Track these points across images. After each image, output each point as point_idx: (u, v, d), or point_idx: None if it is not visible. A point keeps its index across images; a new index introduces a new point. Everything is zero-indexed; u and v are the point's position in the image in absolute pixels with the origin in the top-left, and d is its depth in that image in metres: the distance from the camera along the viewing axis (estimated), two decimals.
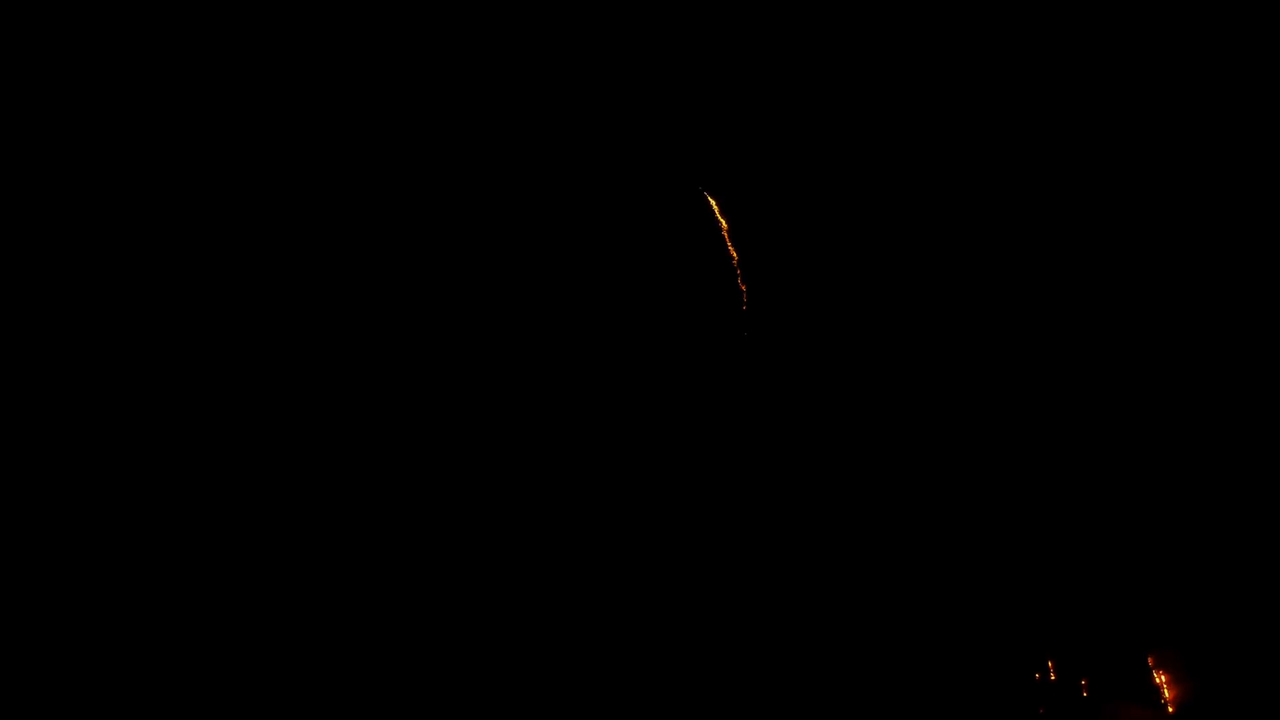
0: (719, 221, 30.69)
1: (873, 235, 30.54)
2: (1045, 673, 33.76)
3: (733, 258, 32.17)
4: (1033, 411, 37.02)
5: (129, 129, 20.54)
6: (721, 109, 26.86)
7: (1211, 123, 28.09)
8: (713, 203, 30.37)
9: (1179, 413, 33.35)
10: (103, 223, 21.13)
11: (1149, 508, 33.04)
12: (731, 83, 25.73)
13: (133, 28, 20.40)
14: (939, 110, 30.01)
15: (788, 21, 26.20)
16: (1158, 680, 29.71)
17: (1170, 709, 28.49)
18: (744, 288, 34.10)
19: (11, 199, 20.79)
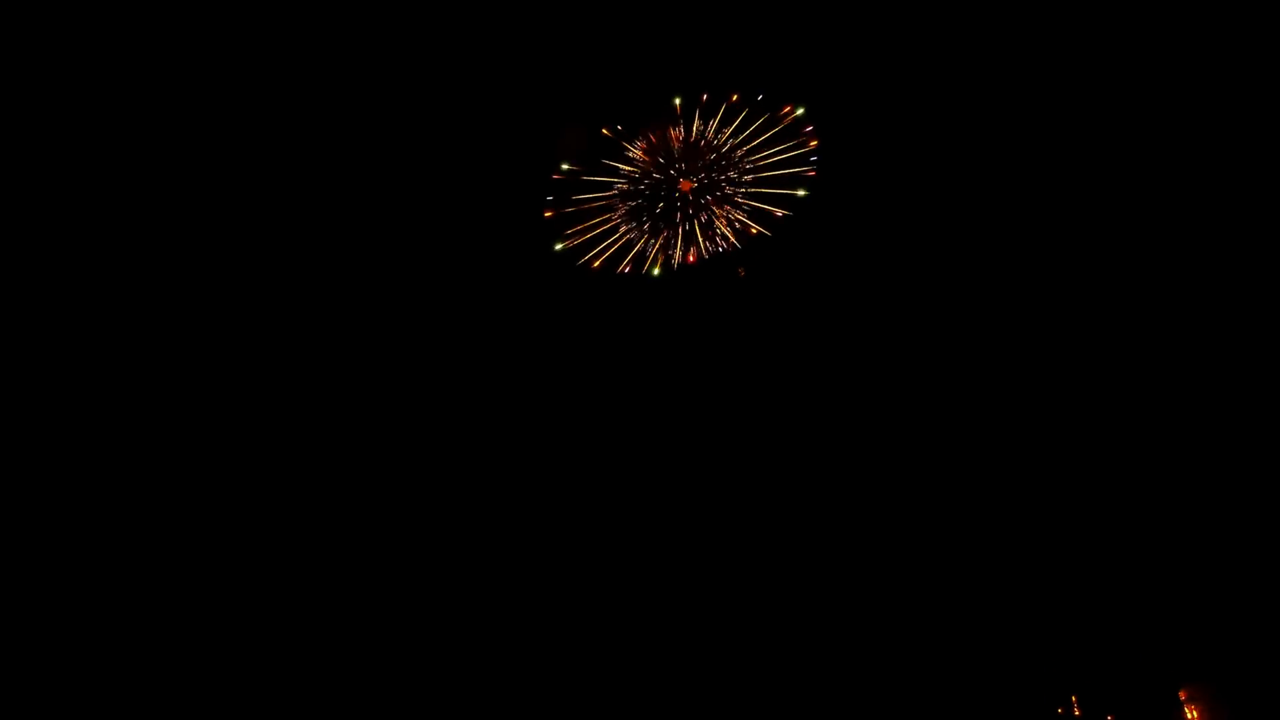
0: (724, 233, 30.96)
1: (868, 240, 30.35)
2: (1069, 707, 31.91)
3: (736, 268, 32.42)
4: (1067, 450, 35.24)
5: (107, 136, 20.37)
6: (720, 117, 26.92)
7: (1210, 124, 27.07)
8: (718, 211, 30.52)
9: (1210, 450, 31.57)
10: (89, 226, 20.93)
11: (1181, 545, 31.40)
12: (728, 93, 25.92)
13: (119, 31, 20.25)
14: (935, 117, 29.72)
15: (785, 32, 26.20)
16: (1188, 716, 28.05)
17: None
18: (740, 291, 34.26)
19: (11, 199, 20.64)
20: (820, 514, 48.02)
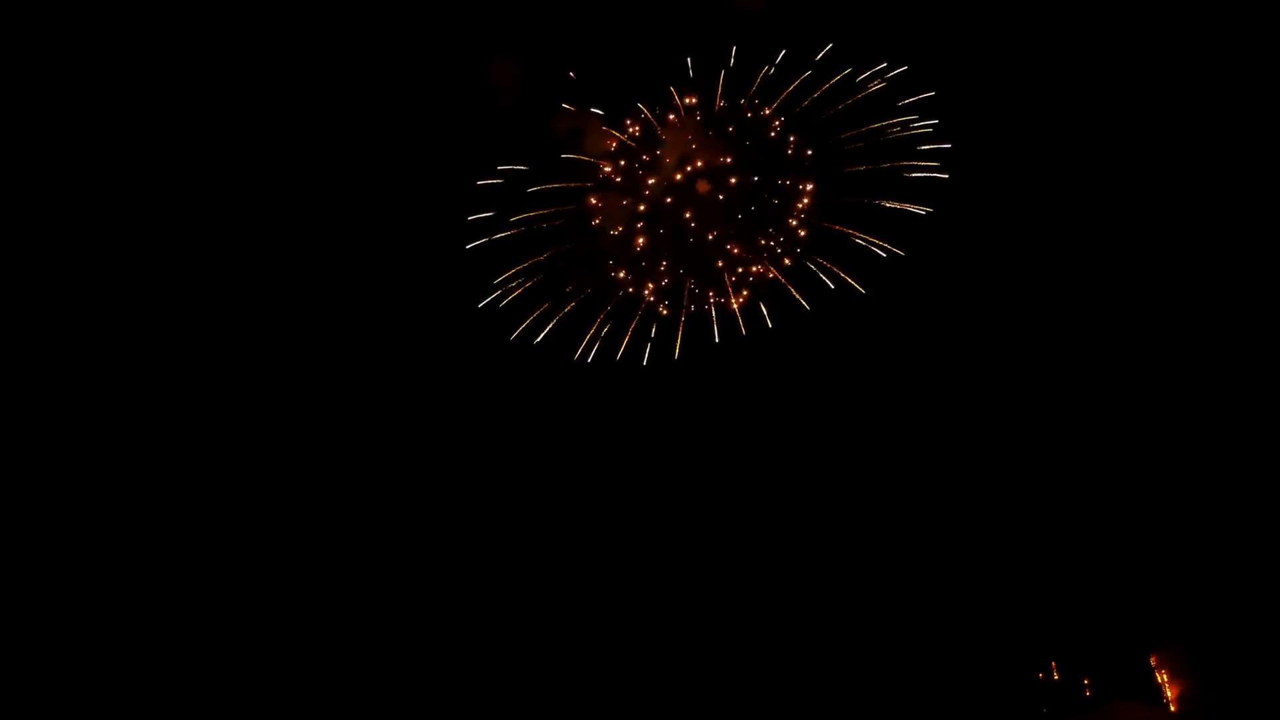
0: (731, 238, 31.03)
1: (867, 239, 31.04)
2: (1049, 672, 34.54)
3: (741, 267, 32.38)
4: (1036, 414, 37.46)
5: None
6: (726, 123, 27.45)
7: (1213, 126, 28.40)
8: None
9: (1179, 416, 33.83)
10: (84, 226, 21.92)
11: (1150, 510, 33.68)
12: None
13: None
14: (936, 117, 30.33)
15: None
16: (1159, 679, 30.55)
17: (1171, 707, 29.34)
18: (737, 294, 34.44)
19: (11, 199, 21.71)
20: (797, 489, 42.69)
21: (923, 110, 39.23)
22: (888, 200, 39.74)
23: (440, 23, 41.88)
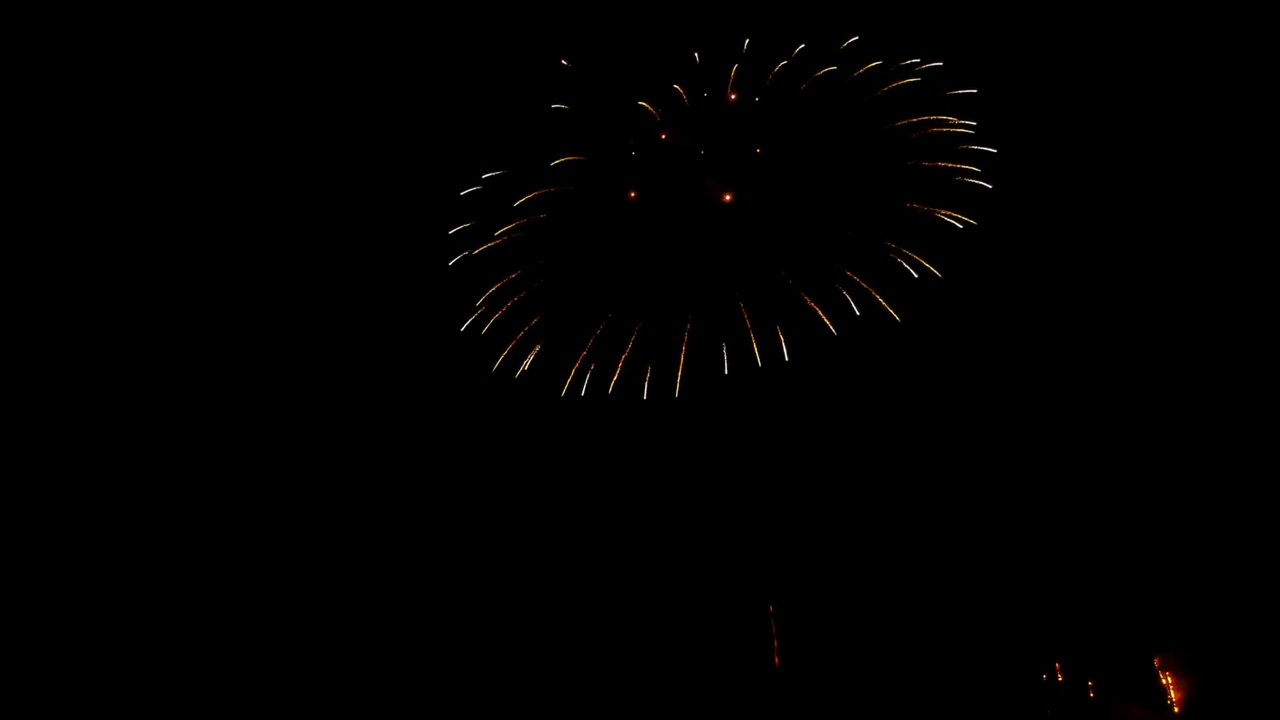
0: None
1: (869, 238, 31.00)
2: (1053, 674, 34.69)
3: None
4: (1039, 417, 37.70)
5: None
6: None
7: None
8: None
9: (1182, 421, 34.01)
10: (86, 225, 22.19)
11: (1153, 514, 33.92)
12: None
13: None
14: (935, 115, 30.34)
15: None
16: (1163, 681, 30.65)
17: (1175, 709, 29.41)
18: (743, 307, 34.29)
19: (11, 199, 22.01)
20: (801, 488, 41.21)
21: (961, 108, 33.82)
22: (922, 205, 34.25)
23: (426, 21, 40.14)
